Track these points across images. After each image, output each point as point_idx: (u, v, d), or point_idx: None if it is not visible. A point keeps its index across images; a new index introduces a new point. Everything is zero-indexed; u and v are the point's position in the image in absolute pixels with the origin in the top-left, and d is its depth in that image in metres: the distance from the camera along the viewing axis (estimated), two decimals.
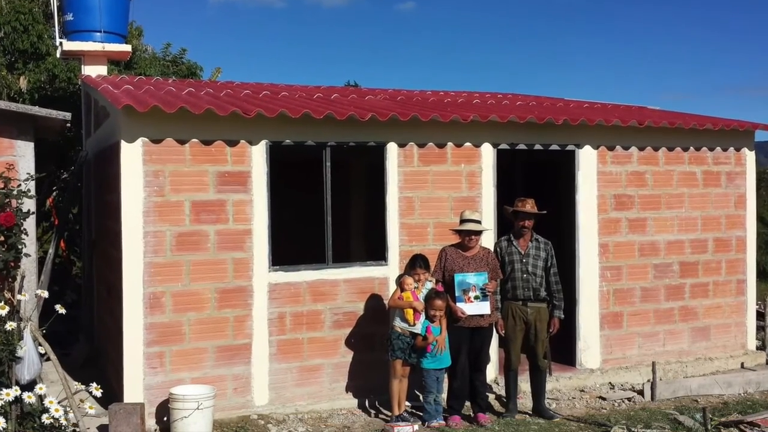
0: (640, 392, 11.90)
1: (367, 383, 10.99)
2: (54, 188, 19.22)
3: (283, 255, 10.88)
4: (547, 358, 10.91)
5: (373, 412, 10.88)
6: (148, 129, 9.91)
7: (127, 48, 16.14)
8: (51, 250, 14.03)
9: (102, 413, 9.66)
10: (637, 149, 12.79)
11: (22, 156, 10.59)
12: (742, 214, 13.81)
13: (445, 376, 10.47)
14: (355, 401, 11.01)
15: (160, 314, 10.02)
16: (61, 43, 15.65)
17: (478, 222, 10.48)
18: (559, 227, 12.58)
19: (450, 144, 11.56)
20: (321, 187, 10.91)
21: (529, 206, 10.64)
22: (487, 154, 11.79)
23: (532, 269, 10.61)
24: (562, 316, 10.79)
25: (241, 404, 10.45)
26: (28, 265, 10.21)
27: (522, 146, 12.08)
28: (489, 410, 10.83)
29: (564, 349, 12.46)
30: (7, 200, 9.03)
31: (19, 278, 9.04)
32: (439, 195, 11.50)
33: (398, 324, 10.18)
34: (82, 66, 15.64)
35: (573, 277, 12.39)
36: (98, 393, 8.22)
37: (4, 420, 7.75)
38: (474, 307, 10.26)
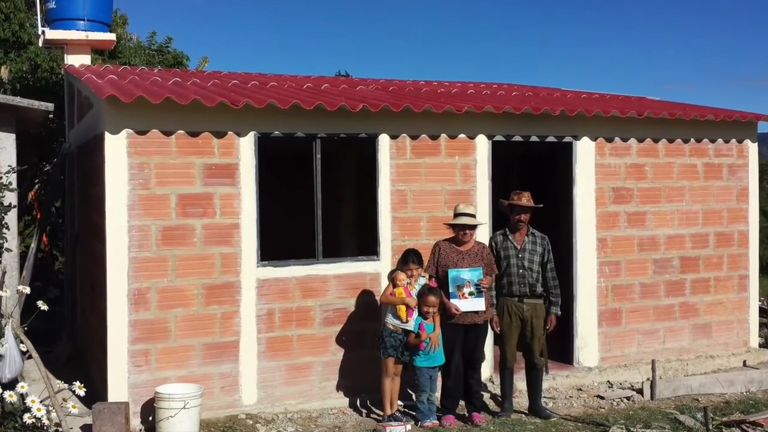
0: (640, 391, 11.93)
1: (359, 382, 11.01)
2: (36, 181, 19.22)
3: (271, 250, 10.89)
4: (543, 356, 10.91)
5: (364, 411, 10.90)
6: (133, 120, 9.91)
7: (112, 37, 16.13)
8: (33, 245, 14.04)
9: (85, 413, 9.67)
10: (636, 141, 12.82)
11: (3, 148, 10.62)
12: (744, 208, 13.85)
13: (439, 374, 10.49)
14: (346, 400, 11.03)
15: (145, 311, 10.03)
16: (43, 32, 15.64)
17: (473, 216, 10.49)
18: (558, 221, 12.60)
19: (444, 135, 11.57)
20: (311, 180, 10.93)
21: (525, 200, 10.65)
22: (482, 145, 11.81)
23: (528, 264, 10.63)
24: (559, 312, 10.81)
25: (229, 403, 10.46)
26: (9, 260, 10.24)
27: (518, 138, 12.09)
28: (484, 409, 10.86)
29: (561, 347, 12.48)
30: None
31: (0, 274, 9.06)
32: (432, 188, 11.52)
33: (390, 321, 10.19)
34: (65, 55, 15.62)
35: (570, 273, 12.42)
36: (81, 392, 8.25)
37: None
38: (468, 304, 10.27)
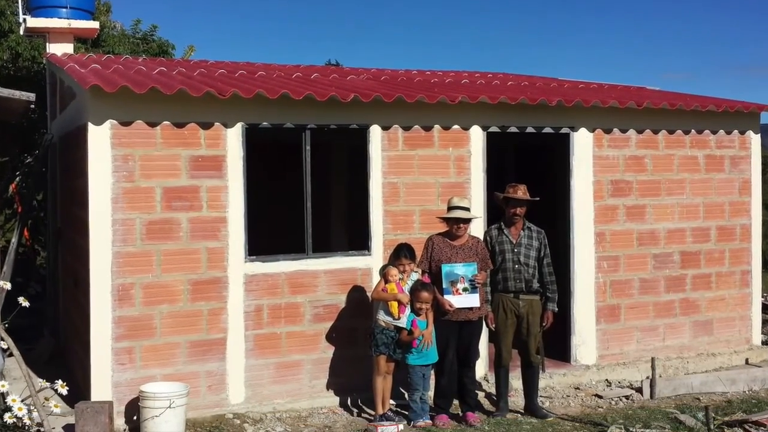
0: (639, 390, 11.95)
1: (350, 380, 11.03)
2: (17, 173, 19.20)
3: (259, 244, 10.89)
4: (540, 354, 10.92)
5: (355, 410, 10.92)
6: (117, 111, 9.90)
7: (95, 25, 16.11)
8: (14, 239, 14.03)
9: (68, 412, 9.67)
10: (635, 132, 12.84)
11: None
12: (746, 201, 13.87)
13: (432, 372, 10.52)
14: (337, 399, 11.05)
15: (130, 307, 10.04)
16: (24, 20, 15.61)
17: (467, 209, 10.50)
18: (554, 215, 12.62)
19: (437, 126, 11.58)
20: (300, 172, 10.93)
21: (521, 193, 10.65)
22: (477, 137, 11.82)
23: (524, 259, 10.63)
24: (556, 309, 10.83)
25: (216, 402, 10.48)
26: None
27: (513, 129, 12.10)
28: (478, 409, 10.88)
29: (558, 345, 12.50)
30: None
31: None
32: (425, 181, 11.53)
33: (382, 317, 10.21)
34: (47, 44, 15.59)
35: (567, 268, 12.44)
36: (64, 391, 8.24)
37: None
38: (462, 300, 10.28)
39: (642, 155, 12.91)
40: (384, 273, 10.33)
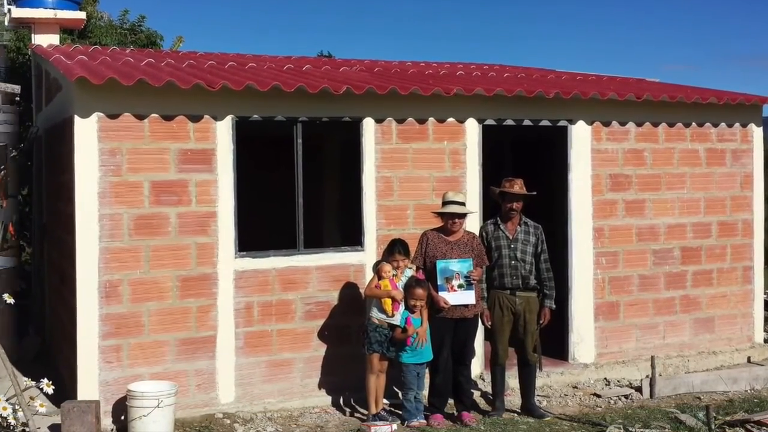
0: (638, 389, 11.96)
1: (342, 379, 11.03)
2: (1, 167, 19.16)
3: (250, 240, 10.89)
4: (537, 352, 10.94)
5: (348, 410, 10.93)
6: (104, 103, 9.89)
7: (81, 15, 16.08)
8: None
9: (54, 412, 9.67)
10: (634, 125, 12.85)
11: None
12: (748, 196, 13.88)
13: (427, 371, 10.51)
14: (329, 398, 11.06)
15: (117, 304, 10.03)
16: (9, 10, 15.58)
17: (462, 204, 10.50)
18: (551, 211, 12.62)
19: (432, 119, 11.58)
20: (292, 166, 10.93)
21: (518, 187, 10.65)
22: (472, 130, 11.83)
23: (520, 255, 10.64)
24: (554, 306, 10.84)
25: (205, 402, 10.48)
26: None
27: (510, 122, 12.12)
28: (474, 408, 10.88)
29: (555, 343, 12.50)
30: None
31: None
32: (419, 175, 11.54)
33: (375, 315, 10.21)
34: (33, 35, 15.57)
35: (565, 264, 12.45)
36: (50, 390, 8.24)
37: None
38: (458, 297, 10.28)
39: (641, 149, 12.91)
40: (377, 269, 10.34)
